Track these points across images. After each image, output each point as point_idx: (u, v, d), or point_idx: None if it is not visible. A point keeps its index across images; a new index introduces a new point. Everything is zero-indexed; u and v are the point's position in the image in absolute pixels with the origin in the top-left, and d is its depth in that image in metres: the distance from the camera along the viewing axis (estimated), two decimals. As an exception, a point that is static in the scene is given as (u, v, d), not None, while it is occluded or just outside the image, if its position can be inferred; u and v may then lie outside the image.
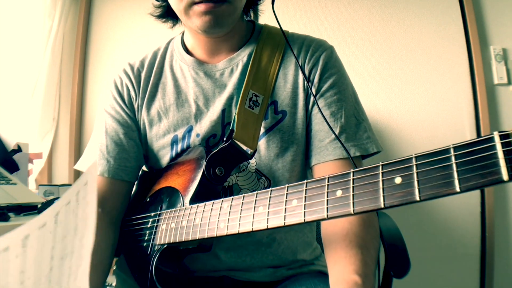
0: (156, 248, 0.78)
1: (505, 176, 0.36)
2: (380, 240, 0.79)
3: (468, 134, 1.89)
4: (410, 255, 0.95)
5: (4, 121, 1.77)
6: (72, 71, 2.17)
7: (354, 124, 0.84)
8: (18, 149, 1.65)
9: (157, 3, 0.94)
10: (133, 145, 0.94)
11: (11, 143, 1.65)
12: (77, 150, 2.13)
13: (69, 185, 1.84)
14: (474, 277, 1.85)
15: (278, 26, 0.91)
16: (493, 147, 0.37)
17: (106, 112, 0.96)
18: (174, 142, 0.91)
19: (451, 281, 1.86)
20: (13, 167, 1.58)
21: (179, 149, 0.90)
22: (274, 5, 0.90)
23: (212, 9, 0.78)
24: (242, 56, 0.91)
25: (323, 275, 0.90)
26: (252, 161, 0.86)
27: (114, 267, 0.87)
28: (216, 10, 0.79)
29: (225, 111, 0.88)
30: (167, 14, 0.95)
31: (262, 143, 0.86)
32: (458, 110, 1.90)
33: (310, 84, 0.86)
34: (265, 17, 0.97)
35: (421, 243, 1.86)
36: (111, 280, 0.86)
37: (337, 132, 0.82)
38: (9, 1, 1.83)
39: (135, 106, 0.95)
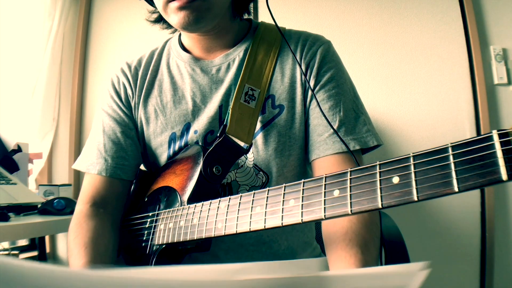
0: (154, 248, 0.78)
1: (504, 176, 0.35)
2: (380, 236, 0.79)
3: (468, 134, 1.89)
4: (410, 255, 0.95)
5: (4, 121, 1.77)
6: (72, 71, 2.17)
7: (353, 117, 0.84)
8: (18, 149, 1.65)
9: (152, 8, 0.95)
10: (130, 143, 0.94)
11: (11, 143, 1.65)
12: (77, 150, 2.13)
13: (69, 185, 1.84)
14: (474, 277, 1.85)
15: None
16: (492, 146, 0.36)
17: (103, 111, 0.96)
18: (172, 139, 0.91)
19: (451, 281, 1.86)
20: (13, 167, 1.58)
21: (176, 146, 0.90)
22: (273, 4, 0.90)
23: (186, 4, 0.78)
24: (239, 52, 0.90)
25: (323, 275, 0.90)
26: (250, 156, 0.86)
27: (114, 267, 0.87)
28: (191, 5, 0.78)
29: (222, 107, 0.88)
30: (161, 18, 0.95)
31: (259, 138, 0.86)
32: (458, 110, 1.90)
33: (307, 77, 0.86)
34: (266, 17, 0.97)
35: (421, 243, 1.86)
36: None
37: (335, 126, 0.81)
38: (9, 1, 1.83)
39: (132, 104, 0.95)
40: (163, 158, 0.92)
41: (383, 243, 0.96)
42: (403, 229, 1.01)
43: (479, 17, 1.94)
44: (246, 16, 0.97)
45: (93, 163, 0.92)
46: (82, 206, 0.89)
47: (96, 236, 0.83)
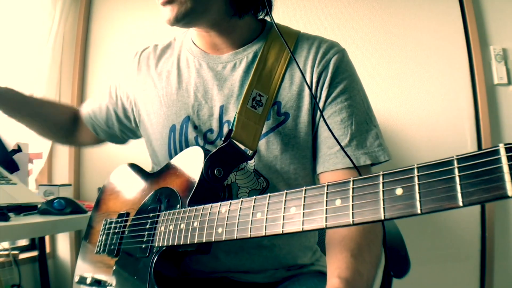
0: (155, 250, 0.78)
1: (509, 192, 0.34)
2: (381, 244, 0.79)
3: (468, 134, 1.89)
4: (410, 255, 0.95)
5: (4, 121, 1.77)
6: (72, 71, 2.17)
7: (365, 130, 0.82)
8: (18, 149, 1.64)
9: None
10: (117, 122, 1.09)
11: (11, 143, 1.65)
12: (77, 150, 2.13)
13: (69, 185, 1.84)
14: (474, 277, 1.85)
15: (289, 26, 0.90)
16: (498, 160, 0.35)
17: (116, 81, 1.06)
18: (171, 131, 0.91)
19: (451, 281, 1.86)
20: (13, 167, 1.57)
21: (177, 139, 0.90)
22: (276, 2, 0.89)
23: (166, 2, 0.80)
24: (248, 53, 0.89)
25: (323, 275, 0.90)
26: (251, 161, 0.85)
27: (114, 267, 0.87)
28: (171, 1, 0.79)
29: (223, 108, 0.87)
30: None
31: (262, 144, 0.85)
32: (458, 110, 1.90)
33: (320, 87, 0.85)
34: (275, 18, 0.94)
35: (421, 243, 1.86)
36: (111, 280, 0.86)
37: (347, 139, 0.80)
38: (9, 1, 1.83)
39: (141, 91, 0.98)
40: (163, 150, 0.93)
41: (383, 243, 0.96)
42: (403, 229, 1.01)
43: (479, 17, 1.94)
44: (261, 16, 0.93)
45: (86, 106, 1.15)
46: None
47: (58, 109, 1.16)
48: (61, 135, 1.21)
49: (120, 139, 1.16)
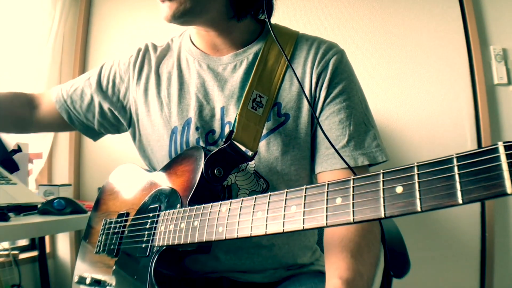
0: (155, 249, 0.78)
1: (509, 189, 0.34)
2: (380, 245, 0.79)
3: (468, 135, 1.89)
4: (410, 255, 0.95)
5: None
6: (72, 71, 2.17)
7: (363, 131, 0.83)
8: (18, 149, 1.64)
9: None
10: (98, 116, 1.01)
11: (11, 143, 1.65)
12: (77, 150, 2.13)
13: (69, 185, 1.84)
14: (474, 277, 1.85)
15: (288, 26, 0.90)
16: (497, 158, 0.35)
17: (112, 66, 1.01)
18: (173, 133, 0.91)
19: (451, 281, 1.86)
20: (13, 167, 1.57)
21: (178, 141, 0.90)
22: (277, 4, 0.89)
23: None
24: (248, 54, 0.89)
25: (323, 275, 0.90)
26: (251, 162, 0.86)
27: (114, 267, 0.87)
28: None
29: (224, 109, 0.87)
30: None
31: (262, 145, 0.85)
32: (458, 110, 1.90)
33: (319, 88, 0.85)
34: (275, 18, 0.94)
35: (421, 243, 1.86)
36: (111, 280, 0.86)
37: (345, 139, 0.81)
38: (9, 1, 1.83)
39: (142, 89, 0.96)
40: (163, 151, 0.92)
41: (383, 243, 0.96)
42: (402, 229, 1.01)
43: (479, 17, 1.94)
44: (262, 17, 0.94)
45: (61, 89, 1.06)
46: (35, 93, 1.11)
47: (16, 100, 1.06)
48: (16, 129, 1.11)
49: (96, 133, 1.08)
